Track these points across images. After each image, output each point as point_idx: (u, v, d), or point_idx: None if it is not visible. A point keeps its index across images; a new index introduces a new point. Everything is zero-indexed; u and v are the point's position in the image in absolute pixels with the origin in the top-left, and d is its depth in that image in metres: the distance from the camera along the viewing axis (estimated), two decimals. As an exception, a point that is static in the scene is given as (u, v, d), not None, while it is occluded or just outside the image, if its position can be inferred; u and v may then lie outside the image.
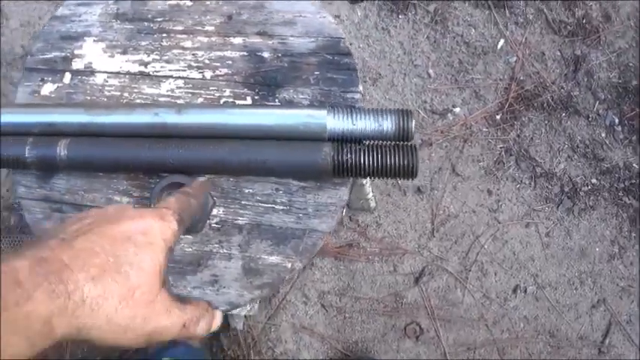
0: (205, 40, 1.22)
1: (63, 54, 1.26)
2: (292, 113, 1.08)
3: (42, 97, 1.25)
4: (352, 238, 1.90)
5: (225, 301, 1.09)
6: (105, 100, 1.22)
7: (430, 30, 1.96)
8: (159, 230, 0.73)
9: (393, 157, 1.03)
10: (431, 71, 1.94)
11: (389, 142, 1.08)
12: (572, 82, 1.93)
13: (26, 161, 1.14)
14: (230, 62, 1.19)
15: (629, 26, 2.01)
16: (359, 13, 2.01)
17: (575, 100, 1.92)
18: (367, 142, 1.06)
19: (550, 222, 1.90)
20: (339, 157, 1.03)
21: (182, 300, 0.74)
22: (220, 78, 1.19)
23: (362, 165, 1.04)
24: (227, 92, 1.18)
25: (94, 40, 1.27)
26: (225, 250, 1.09)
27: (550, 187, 1.90)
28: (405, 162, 1.04)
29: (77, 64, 1.26)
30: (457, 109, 1.91)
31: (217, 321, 0.80)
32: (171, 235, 0.74)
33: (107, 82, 1.24)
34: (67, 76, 1.28)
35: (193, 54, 1.21)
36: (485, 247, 1.86)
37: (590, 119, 1.93)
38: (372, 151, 1.05)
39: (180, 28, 1.23)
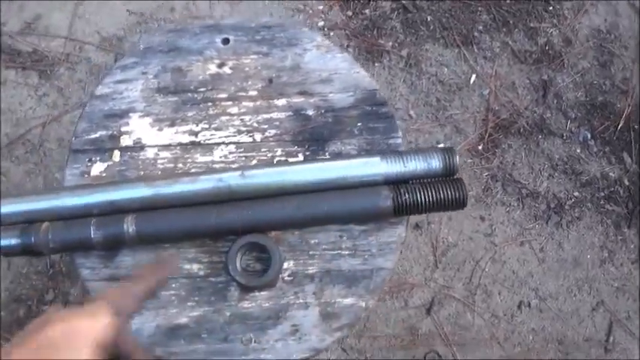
0: (251, 104, 1.37)
1: (109, 132, 1.38)
2: (350, 164, 1.23)
3: (93, 178, 1.36)
4: (363, 280, 2.07)
5: (308, 348, 1.24)
6: (159, 172, 1.31)
7: (406, 74, 2.17)
8: (87, 326, 0.81)
9: (446, 192, 1.18)
10: (412, 112, 2.13)
11: (437, 178, 1.18)
12: (543, 105, 2.18)
13: (92, 242, 1.22)
14: (277, 123, 1.35)
15: (589, 47, 2.31)
16: (338, 66, 2.16)
17: (549, 122, 2.18)
18: (419, 181, 1.17)
19: (542, 238, 2.19)
20: (399, 198, 1.17)
21: None
22: (270, 139, 1.34)
23: (419, 203, 1.17)
24: (279, 152, 1.33)
25: (140, 116, 1.39)
26: (301, 300, 1.22)
27: (537, 205, 2.14)
28: (457, 194, 1.19)
29: (125, 141, 1.37)
30: (441, 145, 2.05)
31: None
32: (100, 328, 0.82)
33: (159, 155, 1.37)
34: (117, 154, 1.38)
35: (241, 119, 1.36)
36: (486, 270, 2.10)
37: (564, 138, 2.19)
38: (427, 188, 1.18)
39: (224, 95, 1.38)
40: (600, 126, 2.37)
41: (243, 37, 1.47)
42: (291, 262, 1.29)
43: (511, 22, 2.40)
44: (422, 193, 1.22)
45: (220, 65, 1.44)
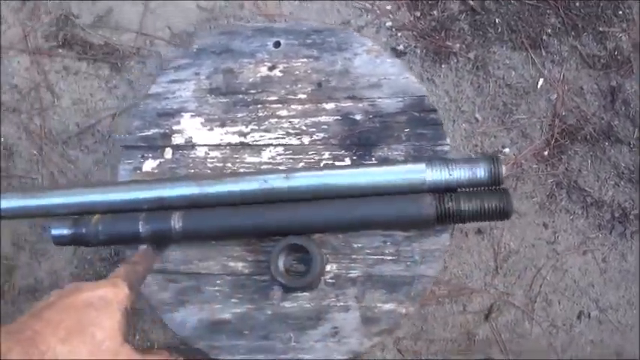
0: (299, 107, 1.36)
1: (162, 130, 1.40)
2: (394, 170, 1.22)
3: (145, 174, 1.39)
4: (422, 283, 2.02)
5: (347, 350, 1.22)
6: (209, 171, 1.33)
7: (473, 76, 2.13)
8: (113, 295, 0.90)
9: (490, 202, 1.16)
10: (478, 115, 2.10)
11: (482, 188, 1.18)
12: (610, 112, 2.12)
13: (140, 236, 1.25)
14: (325, 127, 1.34)
15: (659, 53, 2.18)
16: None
17: (616, 129, 2.13)
18: (462, 190, 1.17)
19: (605, 248, 2.16)
20: (442, 207, 1.16)
21: (144, 351, 0.92)
22: (318, 142, 1.33)
23: (463, 212, 1.16)
24: (326, 155, 1.32)
25: (192, 115, 1.41)
26: (342, 303, 1.21)
27: (601, 214, 2.09)
28: (501, 205, 1.16)
29: (177, 139, 1.39)
30: (507, 150, 2.08)
31: None
32: (124, 297, 0.92)
33: (209, 154, 1.38)
34: (168, 152, 1.40)
35: (290, 121, 1.36)
36: (547, 278, 2.05)
37: (631, 146, 2.16)
38: (471, 197, 1.16)
39: (274, 98, 1.38)
40: (670, 135, 2.25)
41: (294, 41, 1.46)
42: (334, 265, 1.29)
43: (580, 25, 2.30)
44: (466, 202, 1.20)
45: (271, 68, 1.44)
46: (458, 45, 2.28)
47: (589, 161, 2.23)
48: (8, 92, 2.44)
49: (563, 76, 2.28)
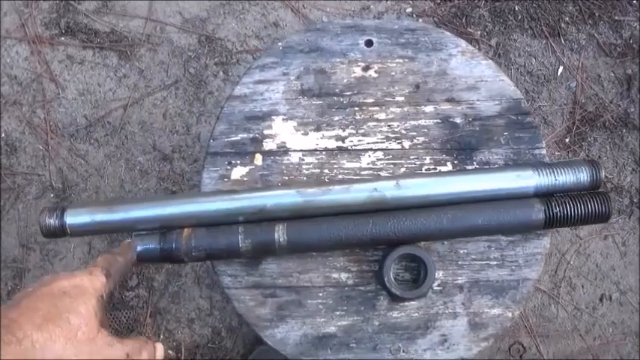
0: (398, 110, 1.31)
1: (251, 135, 1.29)
2: (503, 176, 1.19)
3: (233, 182, 1.28)
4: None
5: (455, 357, 1.18)
6: (304, 178, 1.26)
7: (495, 63, 2.08)
8: (89, 283, 0.91)
9: (593, 205, 1.17)
10: (501, 103, 2.09)
11: (583, 192, 1.18)
12: (627, 99, 2.17)
13: (239, 250, 1.15)
14: (425, 130, 1.30)
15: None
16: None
17: (632, 116, 2.20)
18: (566, 194, 1.16)
19: (624, 232, 2.24)
20: (550, 211, 1.15)
21: (122, 336, 0.93)
22: (419, 146, 1.29)
23: (569, 216, 1.15)
24: (427, 160, 1.29)
25: (283, 119, 1.31)
26: (450, 310, 1.20)
27: (620, 199, 2.14)
28: (604, 208, 1.16)
29: (269, 145, 1.29)
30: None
31: (159, 352, 0.99)
32: (100, 285, 0.93)
33: (304, 160, 1.29)
34: (259, 158, 1.30)
35: (389, 125, 1.31)
36: (571, 262, 2.12)
37: (647, 132, 2.14)
38: (576, 202, 1.15)
39: (370, 100, 1.32)
40: (682, 121, 2.28)
41: (387, 40, 1.37)
42: (441, 272, 1.26)
43: (597, 14, 2.31)
44: (572, 206, 1.19)
45: (365, 68, 1.36)
46: (479, 32, 2.27)
47: (608, 148, 2.26)
48: (7, 84, 2.29)
49: (582, 63, 2.30)
